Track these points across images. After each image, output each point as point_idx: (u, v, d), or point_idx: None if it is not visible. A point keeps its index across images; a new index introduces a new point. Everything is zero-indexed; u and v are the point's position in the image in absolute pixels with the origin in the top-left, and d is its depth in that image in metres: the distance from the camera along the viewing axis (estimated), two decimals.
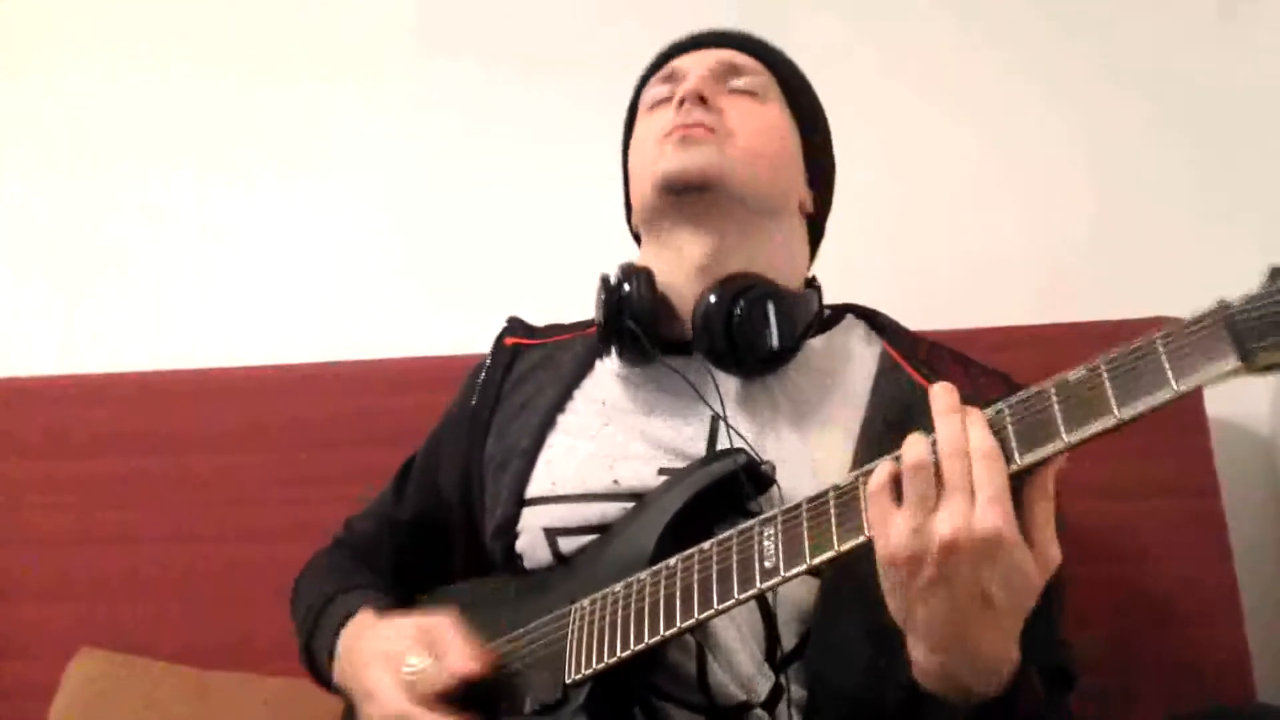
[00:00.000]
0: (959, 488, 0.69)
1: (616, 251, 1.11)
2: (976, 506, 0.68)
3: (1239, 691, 1.31)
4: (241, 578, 1.56)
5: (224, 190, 1.82)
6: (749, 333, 0.96)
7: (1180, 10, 1.59)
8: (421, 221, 1.76)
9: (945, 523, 0.69)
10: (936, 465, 0.70)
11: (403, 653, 0.91)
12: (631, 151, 1.13)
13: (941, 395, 0.73)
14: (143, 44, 1.85)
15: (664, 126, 1.04)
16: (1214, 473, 1.40)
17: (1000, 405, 0.72)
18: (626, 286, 1.02)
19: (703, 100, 1.03)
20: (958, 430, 0.70)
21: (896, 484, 0.72)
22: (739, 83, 1.06)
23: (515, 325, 1.20)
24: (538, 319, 1.23)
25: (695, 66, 1.07)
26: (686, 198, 1.02)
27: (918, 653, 0.75)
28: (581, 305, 1.24)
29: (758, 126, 1.04)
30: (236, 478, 1.59)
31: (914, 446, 0.72)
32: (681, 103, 1.03)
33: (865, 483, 0.75)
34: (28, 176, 1.86)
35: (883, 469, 0.73)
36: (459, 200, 1.76)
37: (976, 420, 0.71)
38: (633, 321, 1.00)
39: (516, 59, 1.75)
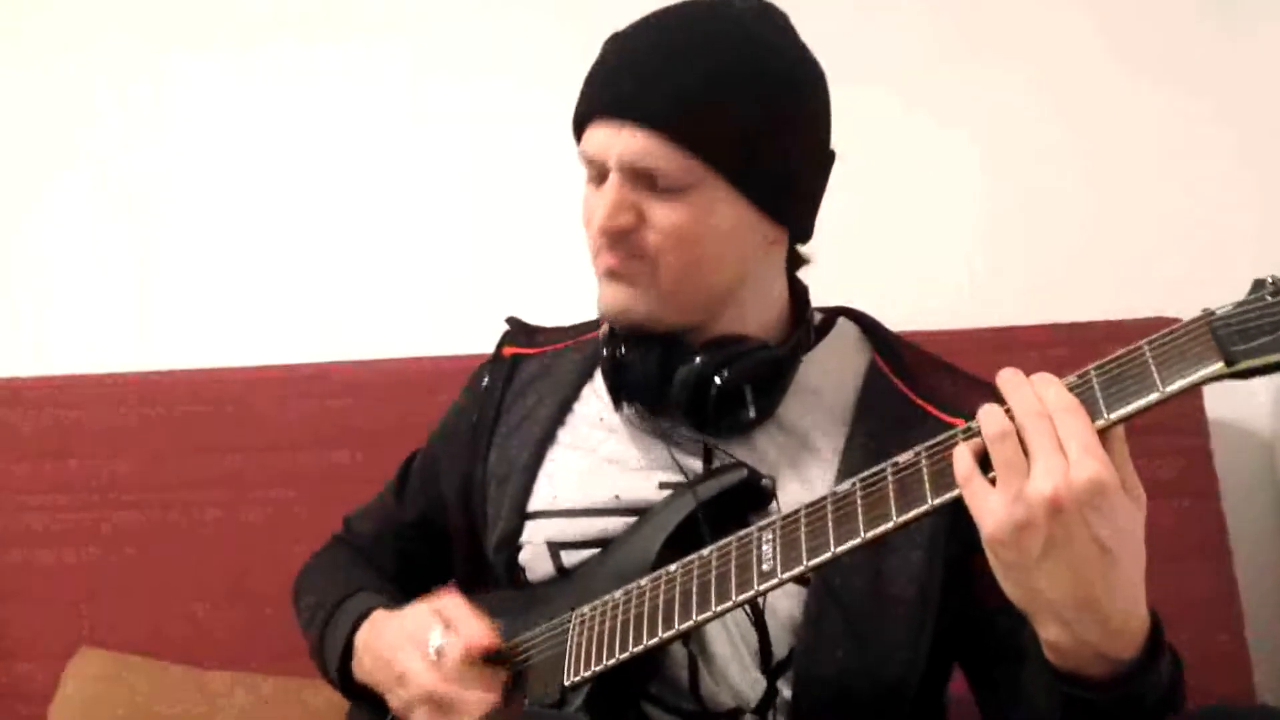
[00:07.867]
0: (1046, 446, 0.67)
1: None
2: (1071, 457, 0.66)
3: (1239, 692, 1.32)
4: (241, 578, 1.56)
5: (223, 190, 1.81)
6: (726, 408, 0.94)
7: (1183, 5, 1.59)
8: (422, 222, 1.76)
9: (1044, 480, 0.66)
10: (1019, 434, 0.68)
11: (426, 633, 0.93)
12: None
13: (1009, 373, 0.71)
14: (135, 34, 1.84)
15: (593, 239, 0.95)
16: (1214, 473, 1.41)
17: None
18: (624, 349, 0.98)
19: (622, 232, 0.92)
20: (1031, 395, 0.69)
21: (982, 463, 0.70)
22: (659, 182, 0.91)
23: (515, 329, 1.19)
24: (537, 318, 1.23)
25: (610, 156, 0.91)
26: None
27: (1048, 631, 0.71)
28: (581, 303, 1.24)
29: (685, 236, 0.92)
30: (236, 478, 1.59)
31: (990, 416, 0.70)
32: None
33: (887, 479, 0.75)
34: (25, 176, 1.86)
35: (963, 453, 0.70)
36: (459, 200, 1.75)
37: (1048, 381, 0.70)
38: (638, 401, 0.98)
39: (518, 57, 1.75)
